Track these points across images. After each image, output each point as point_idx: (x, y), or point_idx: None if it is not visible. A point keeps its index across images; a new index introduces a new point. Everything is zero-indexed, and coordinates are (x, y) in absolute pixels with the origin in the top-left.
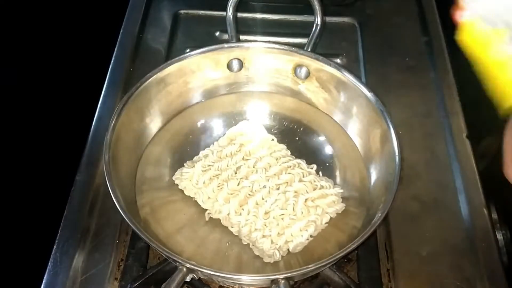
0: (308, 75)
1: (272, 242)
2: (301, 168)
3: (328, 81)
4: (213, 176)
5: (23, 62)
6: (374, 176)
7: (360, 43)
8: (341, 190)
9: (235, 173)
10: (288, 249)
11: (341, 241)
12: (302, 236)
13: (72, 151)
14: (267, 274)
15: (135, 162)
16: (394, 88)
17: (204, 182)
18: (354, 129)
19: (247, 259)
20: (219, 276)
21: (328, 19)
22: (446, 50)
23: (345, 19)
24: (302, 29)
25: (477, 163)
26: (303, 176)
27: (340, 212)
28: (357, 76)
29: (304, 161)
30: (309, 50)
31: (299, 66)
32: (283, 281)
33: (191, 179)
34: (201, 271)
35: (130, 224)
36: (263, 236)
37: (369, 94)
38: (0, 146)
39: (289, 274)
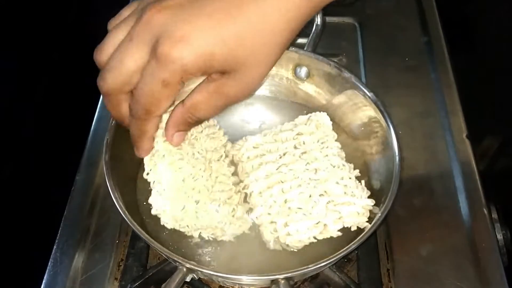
0: (308, 75)
1: (275, 230)
2: (341, 169)
3: (328, 81)
4: (260, 154)
5: (23, 62)
6: (374, 176)
7: (360, 43)
8: (372, 203)
9: (280, 157)
10: (286, 243)
11: (341, 241)
12: (305, 234)
13: (72, 151)
14: (267, 274)
15: (135, 161)
16: (394, 88)
17: (248, 157)
18: (354, 129)
19: (247, 259)
20: (219, 276)
21: (328, 19)
22: (446, 50)
23: (345, 19)
24: (302, 29)
25: (477, 163)
26: (341, 179)
27: (362, 228)
28: (357, 76)
29: (352, 165)
30: (309, 50)
31: (299, 66)
32: (283, 281)
33: (238, 151)
34: (201, 271)
35: (130, 224)
36: (271, 222)
37: (369, 94)
38: (0, 146)
39: (289, 274)
